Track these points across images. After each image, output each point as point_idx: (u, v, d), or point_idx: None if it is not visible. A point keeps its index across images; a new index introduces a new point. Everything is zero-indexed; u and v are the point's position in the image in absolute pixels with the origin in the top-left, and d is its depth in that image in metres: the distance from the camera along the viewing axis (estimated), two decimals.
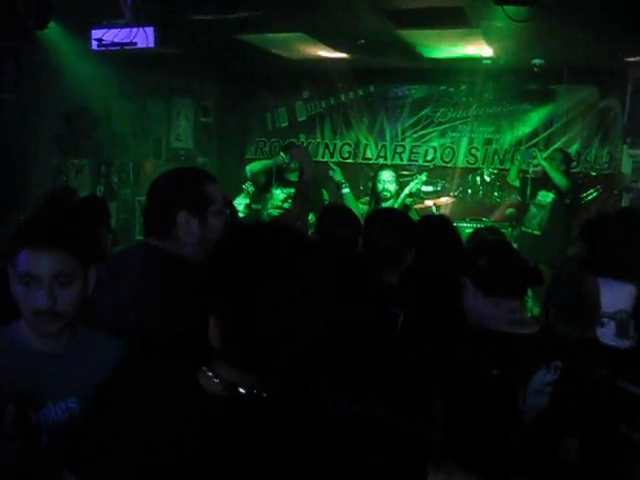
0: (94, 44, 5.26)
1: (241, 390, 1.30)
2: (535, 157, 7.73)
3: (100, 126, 8.61)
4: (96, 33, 5.25)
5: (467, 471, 1.57)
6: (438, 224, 3.63)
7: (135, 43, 4.99)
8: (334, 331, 1.87)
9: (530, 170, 7.85)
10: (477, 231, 5.47)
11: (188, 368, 1.37)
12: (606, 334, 2.99)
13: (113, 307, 2.26)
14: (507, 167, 9.43)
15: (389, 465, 1.34)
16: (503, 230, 7.62)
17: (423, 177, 7.75)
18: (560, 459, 2.44)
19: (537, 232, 7.69)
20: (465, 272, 2.57)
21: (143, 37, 4.96)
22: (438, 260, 3.14)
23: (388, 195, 6.67)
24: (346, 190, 6.75)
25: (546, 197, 7.66)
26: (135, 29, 4.96)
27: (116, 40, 5.04)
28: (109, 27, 5.12)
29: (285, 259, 1.30)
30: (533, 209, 7.82)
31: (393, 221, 2.99)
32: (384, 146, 10.33)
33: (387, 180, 6.78)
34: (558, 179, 7.44)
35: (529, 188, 7.82)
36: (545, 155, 8.48)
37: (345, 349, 1.77)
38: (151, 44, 4.98)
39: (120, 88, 8.43)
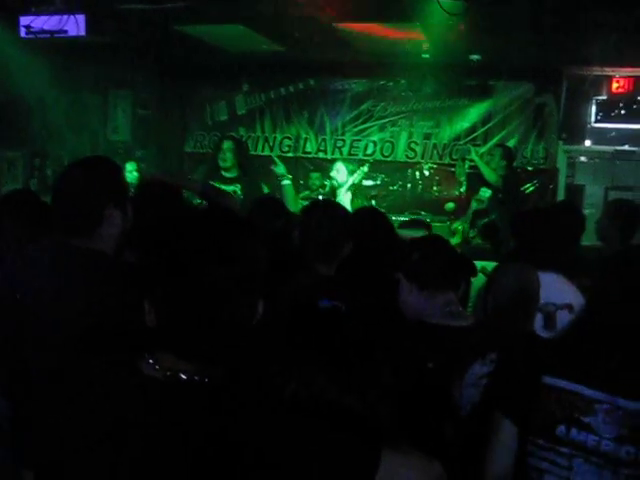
0: (22, 31, 5.08)
1: (182, 376, 1.26)
2: (470, 152, 7.84)
3: (33, 117, 8.36)
4: (24, 20, 5.07)
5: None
6: (370, 216, 3.61)
7: (66, 31, 4.84)
8: (281, 315, 1.84)
9: (466, 165, 7.95)
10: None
11: (130, 357, 1.33)
12: (534, 326, 3.01)
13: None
14: (446, 162, 9.52)
15: (339, 447, 1.31)
16: (440, 224, 7.72)
17: (365, 168, 7.80)
18: None
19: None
20: (399, 268, 2.55)
21: (74, 25, 4.81)
22: (370, 253, 3.11)
23: (336, 185, 6.84)
24: (286, 182, 6.72)
25: (485, 192, 7.76)
26: (66, 16, 4.81)
27: (46, 27, 4.89)
28: (38, 14, 4.96)
29: (218, 241, 1.27)
30: (474, 204, 7.90)
31: (329, 213, 2.95)
32: (324, 140, 10.32)
33: (338, 170, 7.18)
34: (488, 174, 7.55)
35: (468, 183, 7.93)
36: (483, 151, 8.58)
37: (293, 333, 1.72)
38: (82, 32, 4.84)
39: (54, 79, 8.18)
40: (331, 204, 3.36)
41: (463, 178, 8.35)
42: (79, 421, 1.27)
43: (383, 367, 1.66)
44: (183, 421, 1.23)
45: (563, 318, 3.28)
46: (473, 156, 7.78)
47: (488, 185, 7.73)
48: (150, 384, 1.27)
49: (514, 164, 9.17)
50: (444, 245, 2.61)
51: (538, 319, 3.02)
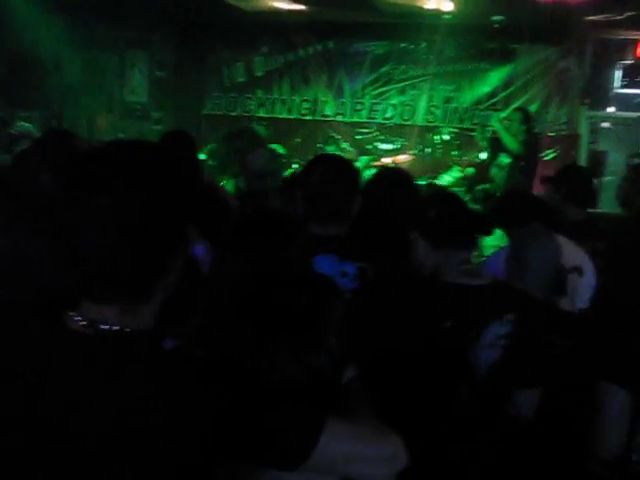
0: None
1: (101, 326, 1.23)
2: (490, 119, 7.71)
3: (50, 78, 8.29)
4: None
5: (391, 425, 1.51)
6: (392, 177, 3.48)
7: None
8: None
9: (487, 132, 7.82)
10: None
11: (56, 313, 1.29)
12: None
13: None
14: (466, 126, 9.38)
15: (280, 416, 1.32)
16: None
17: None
18: (508, 413, 2.40)
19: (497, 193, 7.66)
20: (415, 225, 2.48)
21: None
22: (390, 213, 3.00)
23: None
24: None
25: (505, 159, 7.62)
26: None
27: None
28: None
29: (95, 172, 1.22)
30: (494, 170, 7.78)
31: (332, 167, 2.78)
32: (343, 103, 10.20)
33: None
34: (509, 142, 7.38)
35: (490, 149, 7.81)
36: (503, 115, 8.43)
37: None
38: None
39: (71, 39, 8.12)
40: (334, 158, 3.11)
41: (485, 143, 8.21)
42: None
43: (326, 336, 1.62)
44: (94, 375, 1.20)
45: (572, 281, 3.22)
46: (494, 123, 7.63)
47: (508, 151, 7.59)
48: (72, 337, 1.23)
49: (536, 129, 9.07)
50: (460, 203, 2.53)
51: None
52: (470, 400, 2.37)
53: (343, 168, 2.79)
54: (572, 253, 3.30)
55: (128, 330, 1.23)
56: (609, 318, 3.01)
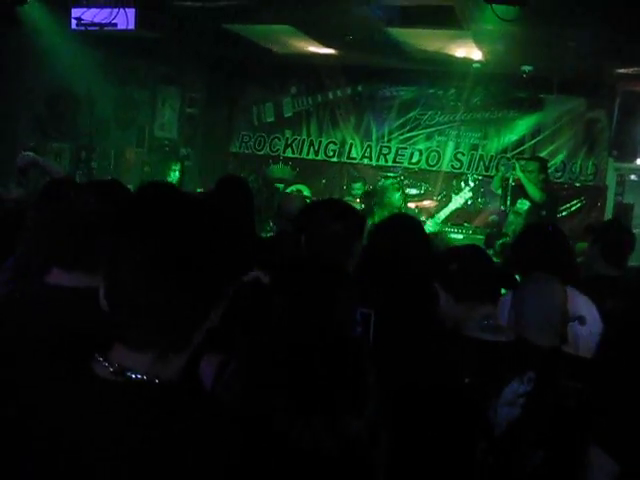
0: (73, 23, 5.11)
1: (130, 374, 1.20)
2: (514, 168, 7.66)
3: (82, 110, 8.44)
4: (76, 12, 5.10)
5: None
6: (403, 222, 3.44)
7: (115, 24, 4.85)
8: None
9: (510, 179, 7.79)
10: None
11: (83, 358, 1.26)
12: None
13: None
14: (492, 174, 9.35)
15: None
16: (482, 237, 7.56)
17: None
18: (526, 472, 2.35)
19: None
20: (436, 277, 2.45)
21: (123, 18, 4.82)
22: (402, 260, 2.96)
23: None
24: None
25: (523, 205, 7.57)
26: (116, 9, 4.82)
27: (96, 20, 4.90)
28: (89, 6, 4.98)
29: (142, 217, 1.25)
30: (511, 216, 7.74)
31: (332, 209, 2.74)
32: (369, 146, 10.24)
33: None
34: (532, 191, 7.31)
35: (509, 197, 7.78)
36: (522, 163, 8.44)
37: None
38: (131, 26, 4.84)
39: (104, 73, 8.27)
40: (334, 201, 3.11)
41: (500, 191, 8.19)
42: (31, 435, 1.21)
43: (364, 402, 1.57)
44: (123, 424, 1.17)
45: (575, 330, 3.16)
46: (518, 173, 7.60)
47: (526, 197, 7.56)
48: (100, 383, 1.21)
49: (562, 179, 9.06)
50: (482, 256, 2.50)
51: None
52: (487, 456, 2.33)
53: (344, 210, 2.76)
54: (575, 302, 3.24)
55: (157, 382, 1.21)
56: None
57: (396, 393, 2.26)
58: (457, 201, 6.87)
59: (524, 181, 7.44)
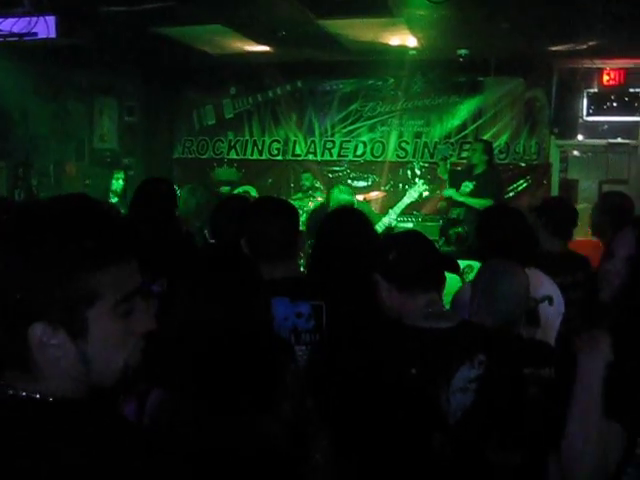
0: None
1: (22, 393, 1.11)
2: (452, 155, 7.66)
3: (16, 126, 8.19)
4: None
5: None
6: (347, 215, 3.46)
7: (35, 33, 4.67)
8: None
9: (448, 164, 7.83)
10: None
11: None
12: None
13: None
14: (437, 160, 9.37)
15: None
16: (433, 224, 7.55)
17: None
18: (488, 459, 2.30)
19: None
20: (376, 268, 2.37)
21: (44, 27, 4.65)
22: (345, 252, 2.95)
23: None
24: None
25: (466, 187, 7.57)
26: (35, 18, 4.64)
27: (15, 30, 4.71)
28: (6, 16, 4.79)
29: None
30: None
31: (272, 208, 2.79)
32: (313, 142, 10.18)
33: None
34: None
35: (451, 180, 7.83)
36: (468, 147, 8.46)
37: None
38: (52, 34, 4.67)
39: (37, 87, 8.04)
40: (271, 199, 3.23)
41: (446, 177, 8.21)
42: None
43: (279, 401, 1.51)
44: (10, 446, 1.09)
45: (544, 311, 3.15)
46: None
47: (470, 179, 7.56)
48: None
49: (507, 160, 9.13)
50: (422, 242, 2.41)
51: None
52: (445, 447, 2.26)
53: (281, 207, 2.81)
54: (541, 283, 3.23)
55: (23, 395, 1.12)
56: None
57: (345, 396, 2.20)
58: (412, 195, 6.80)
59: (465, 200, 7.41)
